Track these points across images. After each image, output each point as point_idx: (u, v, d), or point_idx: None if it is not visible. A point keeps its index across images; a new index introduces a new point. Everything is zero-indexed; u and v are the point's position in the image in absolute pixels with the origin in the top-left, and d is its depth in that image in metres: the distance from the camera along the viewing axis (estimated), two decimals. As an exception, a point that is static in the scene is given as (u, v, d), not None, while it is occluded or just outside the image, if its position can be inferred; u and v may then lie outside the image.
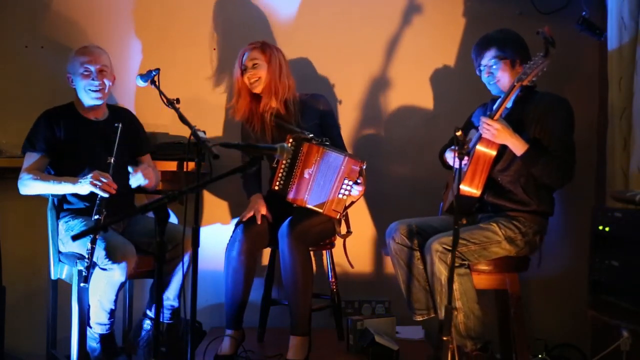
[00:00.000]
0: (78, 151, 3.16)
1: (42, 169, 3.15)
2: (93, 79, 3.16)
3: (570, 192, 3.45)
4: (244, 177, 3.35)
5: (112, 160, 3.06)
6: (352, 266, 3.33)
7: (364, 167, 3.13)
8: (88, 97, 3.19)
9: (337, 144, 3.31)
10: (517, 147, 2.90)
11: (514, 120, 2.95)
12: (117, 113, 3.34)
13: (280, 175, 3.18)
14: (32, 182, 3.08)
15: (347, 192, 3.11)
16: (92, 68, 3.16)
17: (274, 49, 3.34)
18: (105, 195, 2.98)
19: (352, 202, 3.20)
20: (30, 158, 3.16)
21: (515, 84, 2.88)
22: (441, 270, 2.86)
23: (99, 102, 3.21)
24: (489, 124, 2.88)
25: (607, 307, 2.57)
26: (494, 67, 3.03)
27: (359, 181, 3.12)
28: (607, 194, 3.25)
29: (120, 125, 3.12)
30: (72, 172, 3.12)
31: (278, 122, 3.29)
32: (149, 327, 3.25)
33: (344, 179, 3.11)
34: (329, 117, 3.38)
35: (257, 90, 3.30)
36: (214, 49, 3.74)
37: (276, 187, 3.18)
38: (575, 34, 3.44)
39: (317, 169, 3.14)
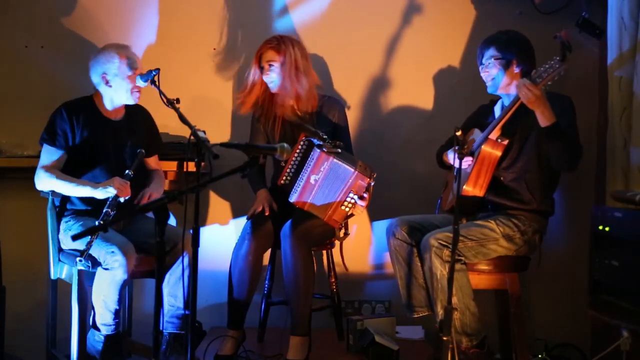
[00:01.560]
0: (92, 149, 3.15)
1: (60, 166, 3.14)
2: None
3: (570, 192, 3.45)
4: (249, 172, 3.31)
5: (131, 173, 3.08)
6: (346, 269, 3.35)
7: (372, 183, 3.09)
8: (130, 99, 3.15)
9: (347, 150, 3.26)
10: (547, 117, 2.84)
11: (521, 118, 2.94)
12: (134, 112, 3.30)
13: (287, 171, 3.17)
14: (50, 180, 3.07)
15: (350, 205, 3.10)
16: (139, 70, 3.12)
17: (291, 45, 3.24)
18: (121, 199, 3.03)
19: (353, 214, 3.19)
20: (50, 154, 3.13)
21: None
22: (437, 266, 2.87)
23: (135, 102, 3.19)
24: (529, 88, 2.81)
25: (607, 307, 2.58)
26: (489, 65, 3.03)
27: (364, 195, 3.10)
28: (607, 194, 3.25)
29: (142, 151, 3.15)
30: (82, 169, 3.13)
31: (293, 120, 3.27)
32: (166, 332, 3.21)
33: (350, 192, 3.07)
34: (342, 126, 3.37)
35: (274, 91, 3.28)
36: (214, 49, 3.74)
37: (282, 182, 3.18)
38: (575, 33, 3.44)
39: (324, 177, 3.10)
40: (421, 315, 3.11)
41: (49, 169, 3.10)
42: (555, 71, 2.77)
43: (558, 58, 2.77)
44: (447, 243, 2.85)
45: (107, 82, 3.13)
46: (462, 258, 2.92)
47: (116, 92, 3.15)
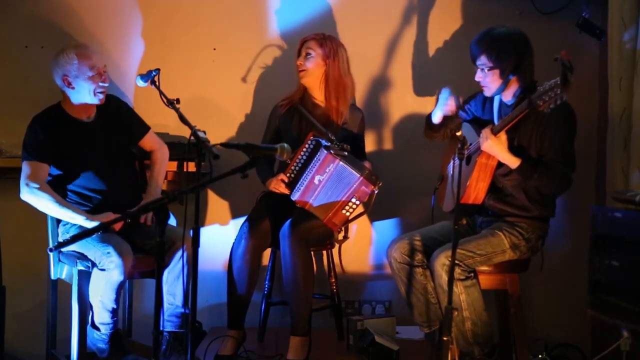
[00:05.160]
0: (74, 155, 3.12)
1: (46, 177, 3.08)
2: (103, 80, 3.08)
3: (570, 192, 3.43)
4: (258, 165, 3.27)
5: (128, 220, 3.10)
6: (343, 271, 3.35)
7: (376, 191, 3.06)
8: (93, 99, 3.10)
9: (359, 156, 3.24)
10: (510, 162, 2.86)
11: (517, 126, 2.92)
12: (106, 106, 3.21)
13: (292, 168, 3.17)
14: (47, 201, 3.01)
15: (351, 210, 3.08)
16: (101, 69, 3.08)
17: (337, 44, 3.30)
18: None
19: (353, 219, 3.17)
20: (35, 168, 3.05)
21: (527, 109, 2.73)
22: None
23: (98, 102, 3.14)
24: (485, 137, 2.85)
25: (607, 307, 2.58)
26: (484, 73, 2.95)
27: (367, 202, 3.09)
28: (607, 194, 3.25)
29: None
30: (72, 176, 3.11)
31: (309, 119, 3.27)
32: (165, 331, 3.20)
33: (353, 197, 3.05)
34: (361, 133, 3.40)
35: (303, 81, 3.30)
36: (214, 49, 3.74)
37: (286, 179, 3.18)
38: (575, 34, 3.44)
39: (329, 178, 3.08)
40: (430, 331, 3.09)
41: (45, 188, 3.03)
42: (556, 96, 2.59)
43: (558, 81, 2.56)
44: (457, 261, 2.81)
45: (69, 84, 3.08)
46: (472, 273, 2.91)
47: (79, 94, 3.09)
